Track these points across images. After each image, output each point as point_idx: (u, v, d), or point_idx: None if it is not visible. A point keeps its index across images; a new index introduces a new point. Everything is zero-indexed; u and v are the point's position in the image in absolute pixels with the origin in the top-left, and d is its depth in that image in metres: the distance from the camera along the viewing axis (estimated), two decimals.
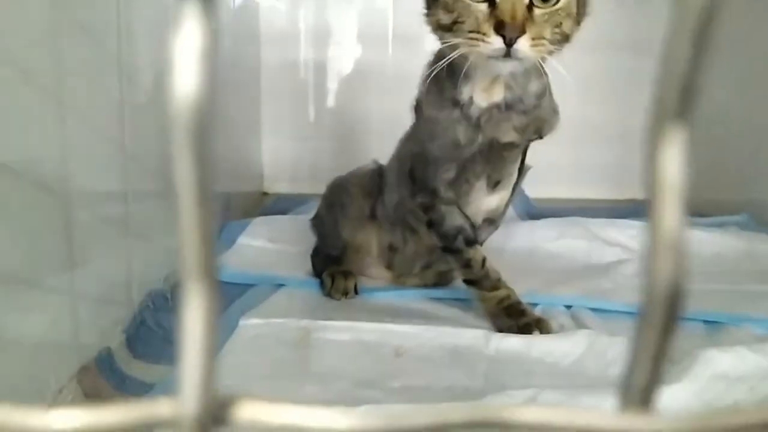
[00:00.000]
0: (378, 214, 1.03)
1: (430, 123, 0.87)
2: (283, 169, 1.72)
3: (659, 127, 0.12)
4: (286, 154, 1.71)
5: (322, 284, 1.03)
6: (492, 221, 0.97)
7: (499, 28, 0.70)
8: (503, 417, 0.13)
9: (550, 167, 1.56)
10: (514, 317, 0.88)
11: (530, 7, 0.71)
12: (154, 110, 0.93)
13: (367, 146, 1.60)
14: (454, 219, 0.91)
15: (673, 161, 0.12)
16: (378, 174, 1.05)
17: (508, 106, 0.82)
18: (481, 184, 0.90)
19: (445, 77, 0.81)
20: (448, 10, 0.74)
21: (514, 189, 0.95)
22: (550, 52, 0.74)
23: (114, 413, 0.13)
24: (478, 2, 0.72)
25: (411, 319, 0.90)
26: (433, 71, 0.79)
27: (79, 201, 0.72)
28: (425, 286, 1.04)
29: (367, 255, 1.06)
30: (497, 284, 0.91)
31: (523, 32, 0.70)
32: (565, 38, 0.75)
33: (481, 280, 0.91)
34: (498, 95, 0.81)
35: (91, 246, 0.76)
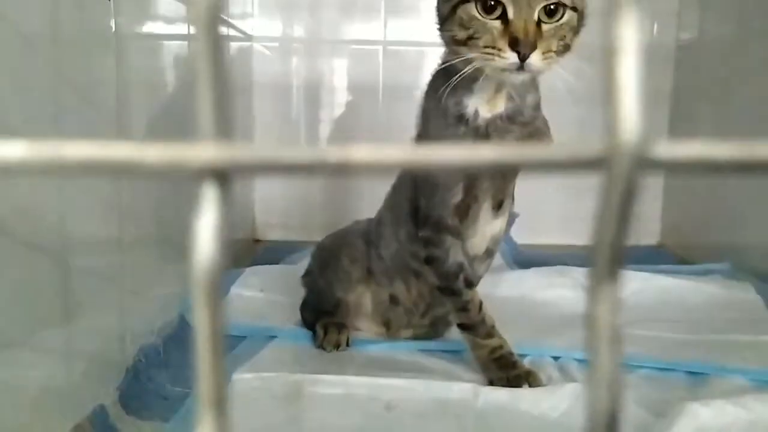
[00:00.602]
0: (374, 269, 1.04)
1: (435, 144, 0.89)
2: (275, 216, 1.74)
3: (596, 285, 0.14)
4: (277, 201, 1.74)
5: (314, 335, 1.04)
6: (490, 253, 0.98)
7: (514, 44, 0.75)
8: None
9: (538, 214, 1.60)
10: (505, 369, 0.89)
11: (538, 23, 0.77)
12: None
13: (358, 194, 1.63)
14: (457, 254, 0.92)
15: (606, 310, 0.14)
16: (369, 230, 1.06)
17: (509, 118, 0.86)
18: (487, 205, 0.92)
19: (446, 95, 0.85)
20: (464, 26, 0.79)
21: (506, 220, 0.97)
22: (556, 62, 0.79)
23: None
24: (492, 19, 0.77)
25: (402, 372, 0.91)
26: (448, 85, 0.82)
27: (74, 256, 0.74)
28: (417, 337, 1.06)
29: (361, 313, 1.07)
30: (491, 331, 0.92)
31: (535, 47, 0.75)
32: (567, 48, 0.80)
33: (476, 325, 0.92)
34: (501, 106, 0.85)
35: (86, 301, 0.76)
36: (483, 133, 0.86)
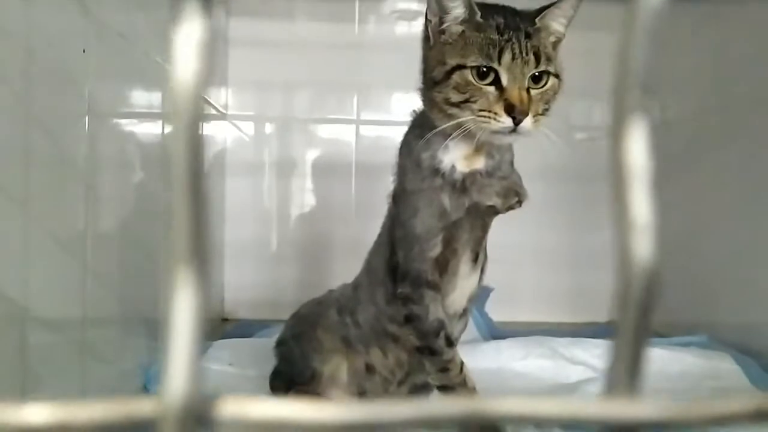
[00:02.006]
0: (350, 337, 1.01)
1: (412, 196, 0.89)
2: (244, 296, 1.71)
3: (622, 120, 0.13)
4: (247, 281, 1.70)
5: None
6: (466, 312, 0.96)
7: (510, 109, 0.79)
8: (491, 409, 0.13)
9: (512, 291, 1.59)
10: None
11: (528, 89, 0.81)
12: (116, 238, 0.95)
13: (329, 275, 1.61)
14: (437, 311, 0.90)
15: (636, 149, 0.13)
16: (345, 296, 1.04)
17: (489, 173, 0.88)
18: (466, 258, 0.91)
19: (422, 150, 0.87)
20: (459, 90, 0.82)
21: (481, 276, 0.96)
22: (541, 125, 0.84)
23: (93, 409, 0.13)
24: (486, 84, 0.81)
25: None
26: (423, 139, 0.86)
27: (35, 327, 0.71)
28: None
29: (336, 384, 1.03)
30: (473, 394, 0.89)
31: (527, 113, 0.80)
32: (548, 111, 0.85)
33: (456, 387, 0.89)
34: (480, 163, 0.87)
35: (46, 372, 0.73)
36: (460, 186, 0.86)
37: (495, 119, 0.80)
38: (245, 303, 1.70)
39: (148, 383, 1.02)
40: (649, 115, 0.13)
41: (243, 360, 1.18)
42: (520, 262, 1.64)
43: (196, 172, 0.13)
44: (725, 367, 1.16)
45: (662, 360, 1.17)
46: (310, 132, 1.74)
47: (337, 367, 1.02)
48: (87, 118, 0.85)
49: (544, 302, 1.69)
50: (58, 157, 0.78)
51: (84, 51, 0.81)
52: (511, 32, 0.81)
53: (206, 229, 0.13)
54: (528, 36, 0.82)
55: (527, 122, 0.80)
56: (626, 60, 0.13)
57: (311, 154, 1.74)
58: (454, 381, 0.89)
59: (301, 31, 1.70)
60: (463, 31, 0.83)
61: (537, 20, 0.84)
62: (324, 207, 1.73)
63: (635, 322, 0.13)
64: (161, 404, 0.13)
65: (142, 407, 0.13)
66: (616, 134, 0.13)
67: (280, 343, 1.08)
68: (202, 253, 0.13)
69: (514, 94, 0.80)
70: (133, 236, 1.03)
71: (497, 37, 0.81)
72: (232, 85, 1.70)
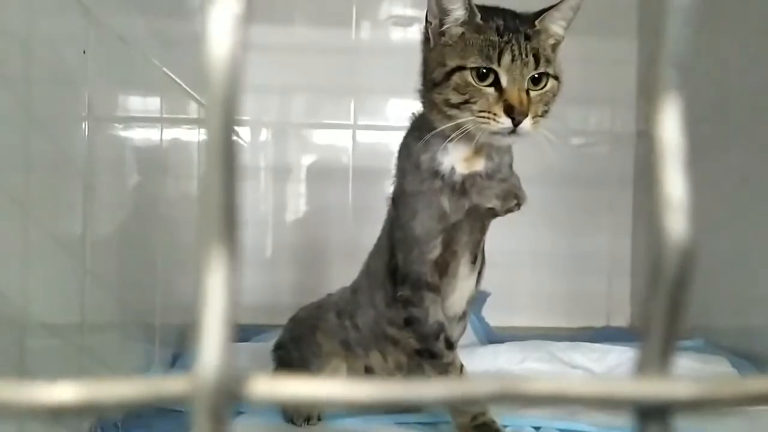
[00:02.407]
0: (350, 340, 1.01)
1: (411, 198, 0.89)
2: (241, 301, 1.70)
3: (657, 97, 0.13)
4: (243, 286, 1.70)
5: (284, 409, 0.99)
6: (465, 314, 0.96)
7: (509, 110, 0.80)
8: (522, 389, 0.13)
9: (510, 295, 1.59)
10: None
11: (527, 91, 0.82)
12: (115, 242, 0.94)
13: (325, 280, 1.61)
14: (437, 313, 0.90)
15: (671, 127, 0.13)
16: (344, 299, 1.04)
17: (489, 175, 0.88)
18: (465, 260, 0.91)
19: (421, 152, 0.87)
20: (459, 92, 0.83)
21: (478, 279, 0.96)
22: (540, 126, 0.84)
23: (124, 387, 0.13)
24: (486, 86, 0.82)
25: None
26: (422, 140, 0.86)
27: (34, 331, 0.71)
28: (393, 410, 1.01)
29: None
30: None
31: (527, 114, 0.81)
32: (547, 112, 0.85)
33: None
34: (479, 165, 0.87)
35: (44, 376, 0.73)
36: (459, 188, 0.86)
37: (494, 120, 0.80)
38: (241, 308, 1.69)
39: None
40: (682, 94, 0.13)
41: (241, 364, 1.17)
42: (517, 267, 1.64)
43: (230, 151, 0.13)
44: (722, 370, 1.16)
45: None
46: (306, 137, 1.74)
47: (336, 371, 1.02)
48: (86, 121, 0.85)
49: (542, 307, 1.69)
50: (57, 159, 0.78)
51: (84, 52, 0.81)
52: (511, 34, 0.82)
53: (238, 208, 0.13)
54: (527, 38, 0.83)
55: (526, 123, 0.81)
56: (660, 37, 0.13)
57: (308, 159, 1.74)
58: None
59: (297, 36, 1.70)
60: (463, 33, 0.84)
61: (537, 22, 0.85)
62: (320, 212, 1.73)
63: (669, 300, 0.13)
64: (194, 382, 0.13)
65: (174, 385, 0.13)
66: (650, 112, 0.13)
67: (278, 347, 1.08)
68: (234, 232, 0.13)
69: (514, 96, 0.80)
70: (132, 240, 1.03)
71: (497, 38, 0.82)
72: None
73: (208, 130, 0.13)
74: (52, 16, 0.77)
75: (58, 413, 0.12)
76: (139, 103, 1.13)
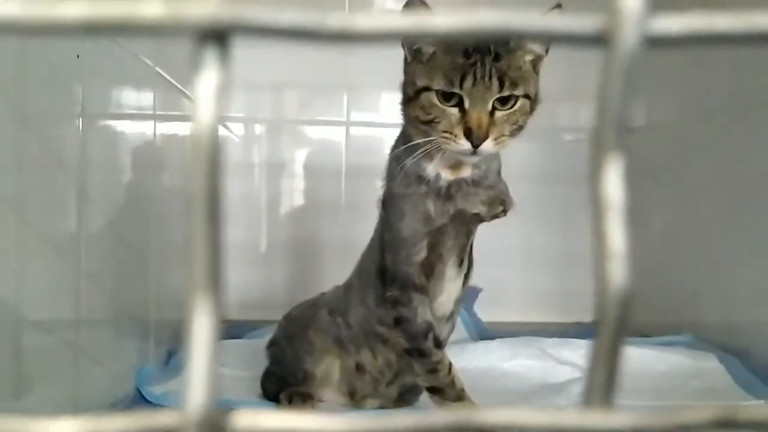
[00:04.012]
0: (342, 338, 1.03)
1: (399, 201, 0.91)
2: (234, 297, 1.71)
3: (600, 156, 0.14)
4: (237, 282, 1.71)
5: (277, 406, 1.00)
6: (453, 314, 0.98)
7: (468, 133, 0.81)
8: (479, 419, 0.14)
9: (501, 291, 1.61)
10: None
11: (493, 111, 0.82)
12: (109, 240, 0.96)
13: (319, 276, 1.62)
14: (425, 313, 0.92)
15: (613, 184, 0.14)
16: (336, 297, 1.06)
17: (475, 182, 0.89)
18: (452, 263, 0.93)
19: (407, 157, 0.88)
20: (426, 111, 0.84)
21: (465, 281, 0.98)
22: (507, 144, 0.85)
23: (118, 422, 0.14)
24: (450, 107, 0.82)
25: None
26: (407, 148, 0.87)
27: (28, 328, 0.72)
28: (384, 408, 1.03)
29: (328, 383, 1.04)
30: (461, 394, 0.90)
31: (486, 137, 0.81)
32: (521, 129, 0.85)
33: (445, 388, 0.91)
34: (465, 172, 0.89)
35: (39, 373, 0.74)
36: (445, 193, 0.88)
37: (455, 141, 0.81)
38: (235, 304, 1.70)
39: (140, 384, 1.03)
40: (625, 153, 0.14)
41: (234, 361, 1.19)
42: (508, 263, 1.66)
43: (214, 204, 0.14)
44: (709, 366, 1.18)
45: (647, 359, 1.19)
46: (299, 133, 1.75)
47: (329, 368, 1.03)
48: (80, 119, 0.86)
49: (532, 302, 1.71)
50: (50, 157, 0.79)
51: (78, 56, 0.82)
52: (479, 55, 0.81)
53: (222, 257, 0.14)
54: (497, 58, 0.82)
55: (487, 145, 0.81)
56: (604, 101, 0.14)
57: (301, 155, 1.75)
58: (442, 382, 0.91)
59: None
60: (434, 52, 0.84)
61: (511, 40, 0.84)
62: (314, 208, 1.74)
63: (610, 342, 0.14)
64: (183, 417, 0.14)
65: (164, 419, 0.14)
66: (594, 170, 0.14)
67: (272, 344, 1.10)
68: (218, 280, 0.14)
69: (473, 119, 0.80)
70: (125, 238, 1.04)
71: (462, 60, 0.82)
72: None
73: (192, 189, 0.14)
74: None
75: None
76: (131, 100, 1.14)
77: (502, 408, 0.15)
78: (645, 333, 1.38)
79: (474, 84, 0.80)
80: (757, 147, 1.24)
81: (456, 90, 0.81)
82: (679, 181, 1.48)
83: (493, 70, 0.81)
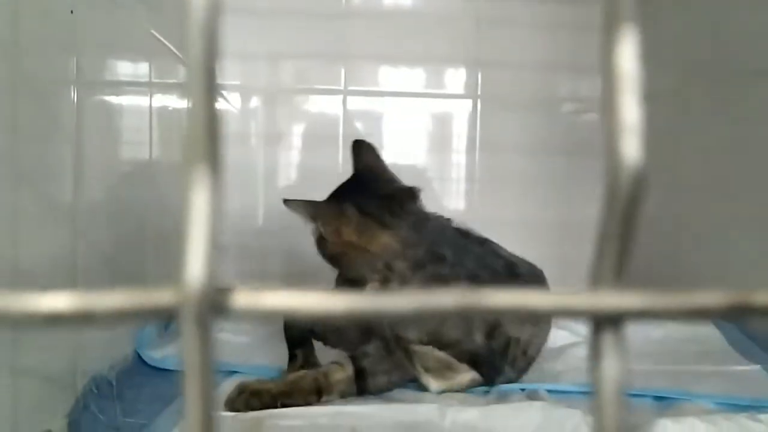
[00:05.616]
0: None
1: None
2: (232, 267, 1.71)
3: (614, 27, 0.14)
4: (234, 252, 1.71)
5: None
6: None
7: None
8: (484, 302, 0.14)
9: None
10: None
11: None
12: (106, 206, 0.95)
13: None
14: None
15: (628, 56, 0.14)
16: None
17: None
18: None
19: None
20: None
21: None
22: None
23: (111, 298, 0.14)
24: None
25: (365, 398, 0.89)
26: None
27: (27, 285, 0.71)
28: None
29: None
30: None
31: None
32: None
33: None
34: None
35: (38, 338, 0.74)
36: None
37: None
38: (232, 274, 1.70)
39: (139, 348, 1.03)
40: (640, 24, 0.14)
41: (233, 327, 1.19)
42: (505, 235, 1.66)
43: (211, 73, 0.13)
44: (706, 331, 1.19)
45: (645, 325, 1.19)
46: (296, 103, 1.74)
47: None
48: (74, 85, 0.85)
49: None
50: (46, 121, 0.78)
51: (72, 12, 0.80)
52: None
53: (219, 127, 0.14)
54: None
55: None
56: None
57: (298, 126, 1.74)
58: None
59: (286, 1, 1.69)
60: None
61: None
62: (311, 179, 1.73)
63: (622, 218, 0.14)
64: (180, 292, 0.13)
65: (161, 296, 0.14)
66: (607, 41, 0.14)
67: None
68: (217, 151, 0.14)
69: None
70: (123, 204, 1.04)
71: None
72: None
73: (190, 56, 0.13)
74: None
75: (50, 322, 0.13)
76: (128, 68, 1.13)
77: (509, 291, 0.14)
78: None
79: None
80: (758, 117, 1.23)
81: None
82: (679, 150, 1.47)
83: None
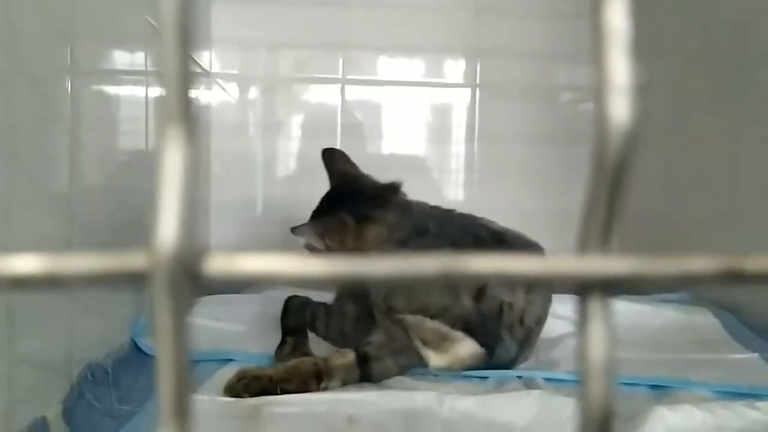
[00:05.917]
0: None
1: None
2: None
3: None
4: (233, 241, 1.71)
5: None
6: None
7: None
8: (466, 268, 0.14)
9: None
10: None
11: None
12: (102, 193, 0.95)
13: None
14: None
15: (618, 13, 0.13)
16: None
17: None
18: None
19: None
20: None
21: None
22: None
23: (83, 261, 0.13)
24: None
25: (363, 386, 0.89)
26: None
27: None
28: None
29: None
30: None
31: None
32: None
33: None
34: None
35: (34, 325, 0.74)
36: None
37: None
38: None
39: (135, 336, 1.03)
40: None
41: (227, 315, 1.18)
42: (506, 224, 1.65)
43: (185, 29, 0.13)
44: (705, 320, 1.18)
45: (644, 314, 1.19)
46: (295, 93, 1.73)
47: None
48: (68, 75, 0.84)
49: None
50: (42, 110, 0.77)
51: None
52: None
53: (192, 91, 0.13)
54: None
55: None
56: None
57: (297, 115, 1.73)
58: None
59: None
60: None
61: None
62: (310, 169, 1.73)
63: (610, 181, 0.13)
64: (153, 256, 0.13)
65: (133, 260, 0.13)
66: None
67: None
68: (190, 112, 0.13)
69: None
70: (118, 191, 1.03)
71: None
72: (216, 45, 1.68)
73: (162, 14, 0.13)
74: None
75: (18, 284, 0.13)
76: (124, 57, 1.12)
77: (492, 256, 0.14)
78: (643, 290, 1.38)
79: None
80: (758, 106, 1.23)
81: None
82: (680, 139, 1.47)
83: None
